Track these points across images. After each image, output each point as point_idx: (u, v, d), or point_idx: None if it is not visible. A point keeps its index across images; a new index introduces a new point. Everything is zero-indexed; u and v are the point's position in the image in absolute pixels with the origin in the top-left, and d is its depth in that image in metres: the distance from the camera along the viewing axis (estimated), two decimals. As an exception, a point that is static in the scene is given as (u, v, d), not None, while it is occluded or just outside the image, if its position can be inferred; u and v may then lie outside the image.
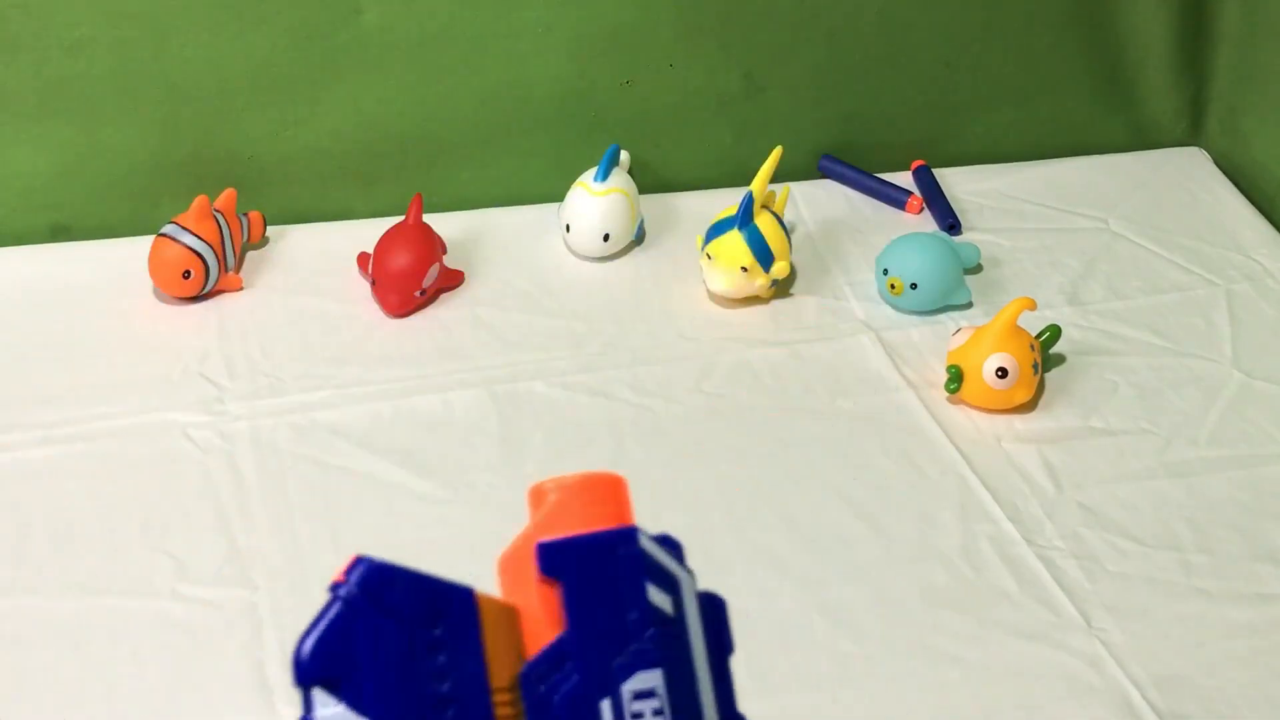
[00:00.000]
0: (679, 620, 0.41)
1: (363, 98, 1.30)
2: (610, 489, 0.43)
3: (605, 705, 0.39)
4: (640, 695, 0.40)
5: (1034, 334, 1.13)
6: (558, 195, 1.31)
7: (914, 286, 1.20)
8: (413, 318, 1.20)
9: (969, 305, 1.24)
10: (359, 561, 0.39)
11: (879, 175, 1.40)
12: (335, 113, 1.30)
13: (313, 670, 0.38)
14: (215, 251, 1.19)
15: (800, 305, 1.24)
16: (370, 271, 1.21)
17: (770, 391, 1.14)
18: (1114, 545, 1.00)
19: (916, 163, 1.42)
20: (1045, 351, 1.16)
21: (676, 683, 0.40)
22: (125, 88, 1.24)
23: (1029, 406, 1.12)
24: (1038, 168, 1.44)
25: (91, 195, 1.28)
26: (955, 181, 1.41)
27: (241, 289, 1.23)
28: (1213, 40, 1.45)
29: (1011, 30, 1.41)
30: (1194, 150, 1.48)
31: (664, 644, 0.40)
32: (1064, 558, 0.99)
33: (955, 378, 1.10)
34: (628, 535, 0.41)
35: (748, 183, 1.24)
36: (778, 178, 1.26)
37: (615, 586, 0.40)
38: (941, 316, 1.23)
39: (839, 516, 1.02)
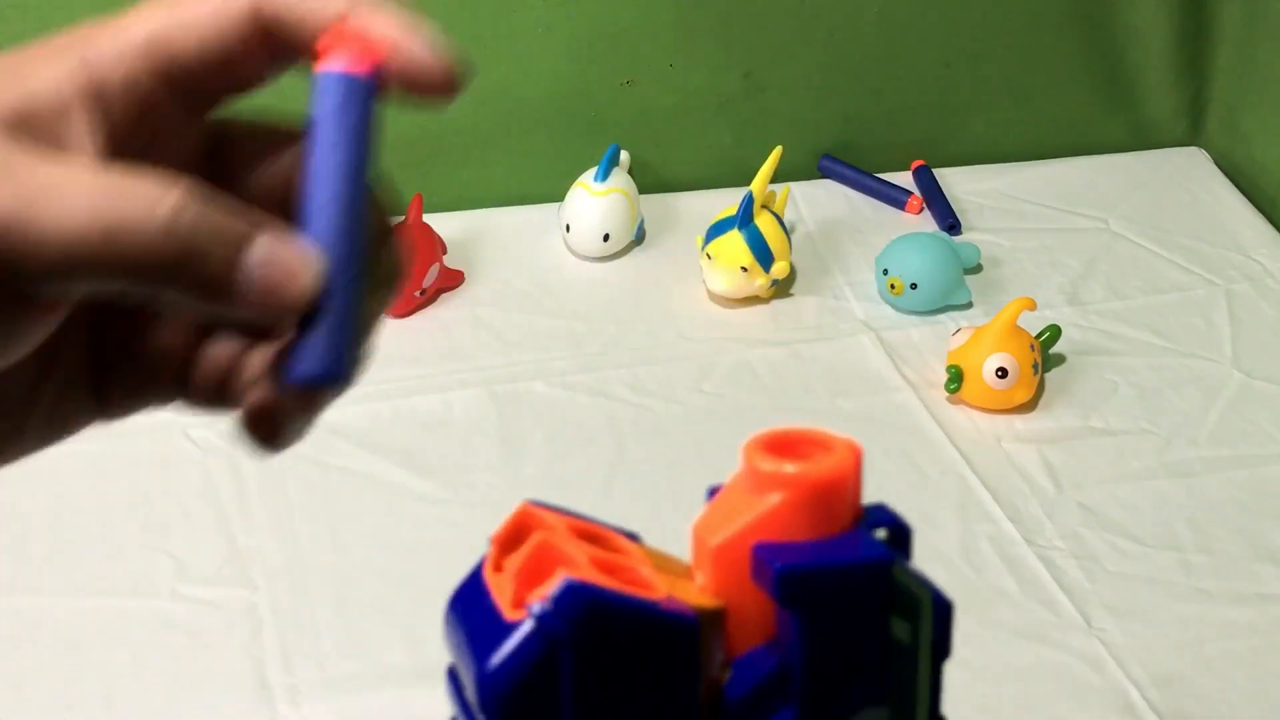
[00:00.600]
0: (913, 647, 0.36)
1: (363, 98, 1.30)
2: (846, 483, 0.37)
3: None
4: None
5: (1034, 334, 1.13)
6: (558, 195, 1.31)
7: (914, 286, 1.20)
8: (413, 318, 1.20)
9: (969, 305, 1.24)
10: (564, 581, 0.33)
11: (879, 175, 1.40)
12: (335, 113, 1.30)
13: (505, 705, 0.32)
14: (215, 251, 1.19)
15: (800, 305, 1.24)
16: (370, 271, 1.21)
17: (770, 391, 1.14)
18: (1114, 545, 1.00)
19: (916, 163, 1.42)
20: (1045, 351, 1.16)
21: (899, 714, 0.36)
22: (125, 88, 1.24)
23: (1029, 406, 1.12)
24: (1038, 168, 1.44)
25: (91, 195, 1.28)
26: (955, 181, 1.41)
27: (241, 289, 1.23)
28: (1213, 40, 1.45)
29: (1011, 30, 1.41)
30: (1194, 150, 1.48)
31: (894, 680, 0.36)
32: (1064, 558, 0.99)
33: (955, 378, 1.10)
34: (882, 565, 0.36)
35: (748, 183, 1.24)
36: (778, 178, 1.26)
37: (859, 622, 0.35)
38: (941, 316, 1.23)
39: (839, 516, 1.02)
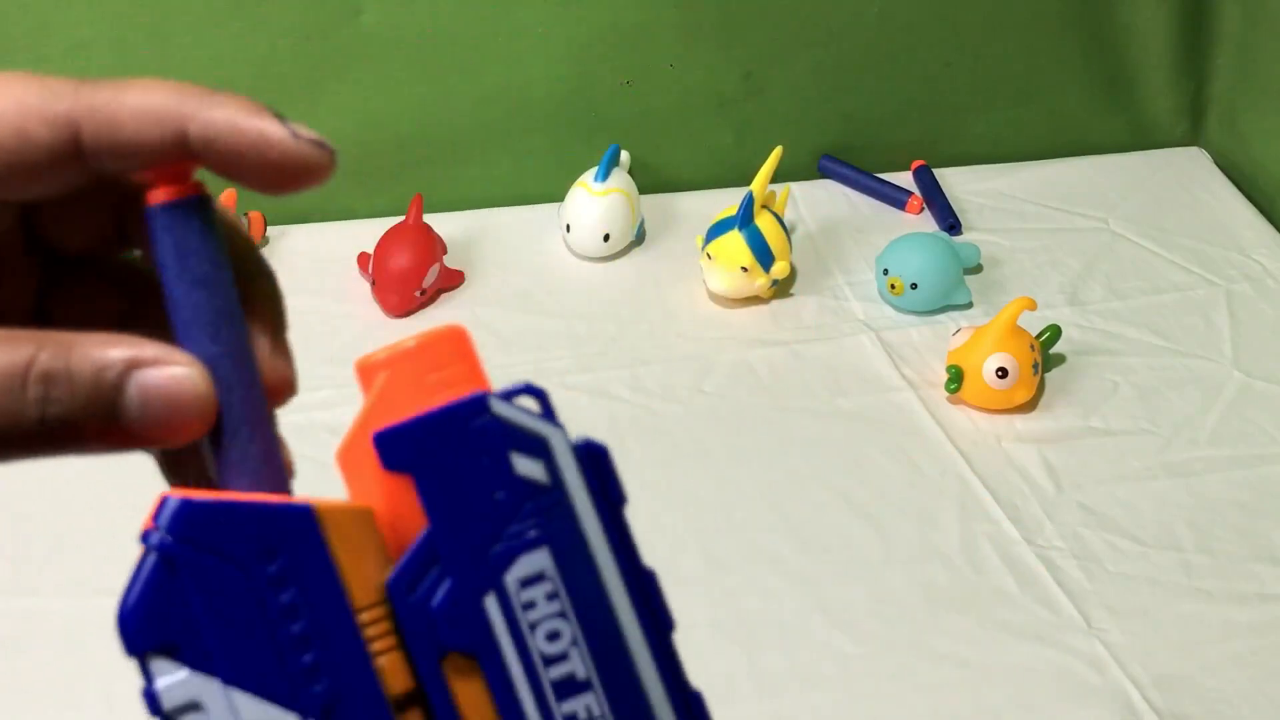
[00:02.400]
0: (556, 486, 0.35)
1: (363, 98, 1.30)
2: (450, 348, 0.37)
3: (490, 601, 0.34)
4: (528, 582, 0.35)
5: (1034, 334, 1.13)
6: (558, 195, 1.31)
7: (914, 286, 1.20)
8: (413, 318, 1.20)
9: (969, 305, 1.24)
10: (165, 502, 0.34)
11: (879, 175, 1.40)
12: (335, 113, 1.30)
13: (142, 638, 0.33)
14: (215, 251, 1.19)
15: (800, 305, 1.24)
16: (370, 271, 1.21)
17: (770, 391, 1.14)
18: (1114, 545, 1.00)
19: (916, 163, 1.42)
20: (1045, 351, 1.16)
21: (567, 558, 0.35)
22: (125, 88, 1.24)
23: (1029, 406, 1.12)
24: (1038, 168, 1.44)
25: (91, 195, 1.28)
26: (955, 181, 1.41)
27: (241, 289, 1.23)
28: (1213, 40, 1.45)
29: (1011, 30, 1.41)
30: (1194, 150, 1.48)
31: (543, 518, 0.35)
32: (1064, 558, 0.99)
33: (955, 378, 1.10)
34: (477, 403, 0.35)
35: (748, 183, 1.24)
36: (778, 178, 1.26)
37: (474, 466, 0.35)
38: (941, 316, 1.23)
39: (839, 516, 1.02)
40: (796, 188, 1.37)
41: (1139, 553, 1.00)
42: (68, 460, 0.98)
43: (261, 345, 0.36)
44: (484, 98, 1.33)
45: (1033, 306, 1.12)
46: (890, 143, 1.43)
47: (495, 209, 1.35)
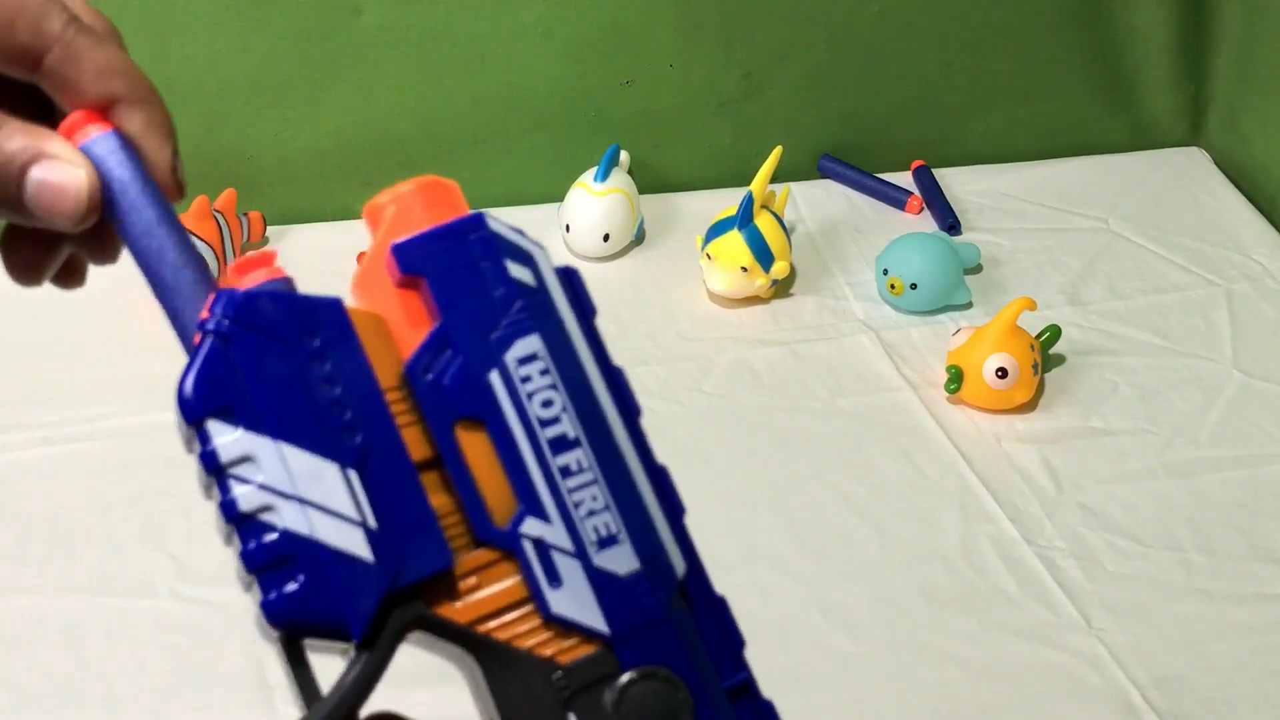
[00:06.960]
0: (541, 289, 0.43)
1: (363, 98, 1.30)
2: (443, 194, 0.44)
3: (494, 376, 0.41)
4: (524, 360, 0.42)
5: (1034, 334, 1.13)
6: (558, 195, 1.31)
7: (914, 286, 1.20)
8: (413, 318, 1.20)
9: (969, 305, 1.24)
10: (220, 294, 0.40)
11: (879, 175, 1.40)
12: (335, 113, 1.30)
13: (200, 404, 0.38)
14: (215, 251, 1.19)
15: (800, 305, 1.24)
16: (370, 271, 1.21)
17: (770, 391, 1.14)
18: (1114, 545, 1.00)
19: (916, 163, 1.42)
20: (1045, 351, 1.16)
21: (554, 342, 0.43)
22: (125, 88, 1.24)
23: (1029, 406, 1.12)
24: (1038, 168, 1.44)
25: (91, 195, 1.28)
26: (955, 181, 1.41)
27: (241, 289, 1.23)
28: (1213, 40, 1.45)
29: (1011, 30, 1.41)
30: (1194, 150, 1.48)
31: (534, 312, 0.42)
32: (1064, 558, 0.99)
33: (955, 378, 1.10)
34: (477, 219, 0.43)
35: (748, 183, 1.24)
36: (778, 178, 1.26)
37: (476, 269, 0.42)
38: (941, 316, 1.23)
39: (839, 516, 1.02)
40: (796, 188, 1.37)
41: (1139, 553, 1.00)
42: (67, 460, 0.97)
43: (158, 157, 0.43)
44: (484, 98, 1.33)
45: (1033, 306, 1.12)
46: (890, 143, 1.43)
47: (495, 209, 1.35)
